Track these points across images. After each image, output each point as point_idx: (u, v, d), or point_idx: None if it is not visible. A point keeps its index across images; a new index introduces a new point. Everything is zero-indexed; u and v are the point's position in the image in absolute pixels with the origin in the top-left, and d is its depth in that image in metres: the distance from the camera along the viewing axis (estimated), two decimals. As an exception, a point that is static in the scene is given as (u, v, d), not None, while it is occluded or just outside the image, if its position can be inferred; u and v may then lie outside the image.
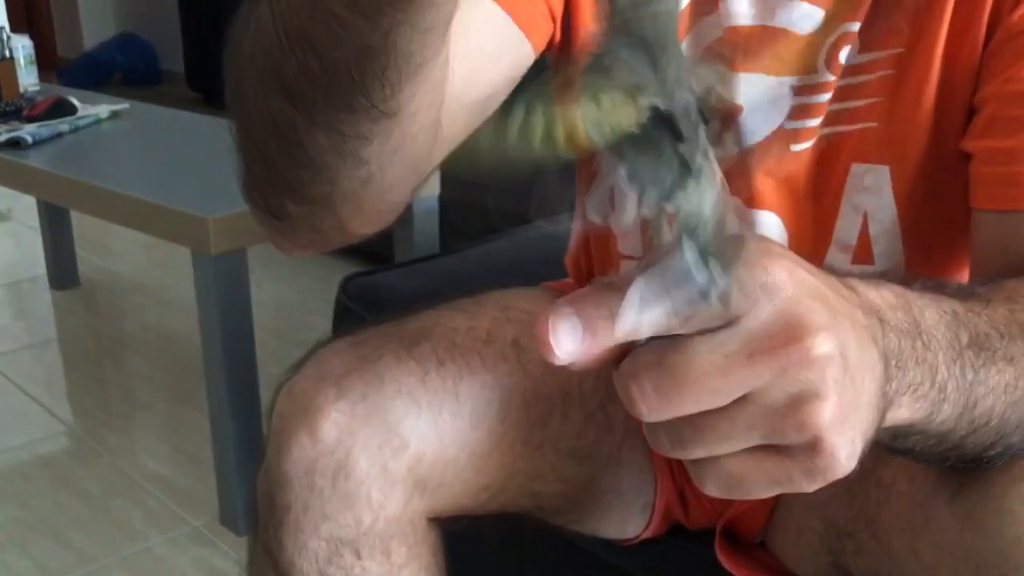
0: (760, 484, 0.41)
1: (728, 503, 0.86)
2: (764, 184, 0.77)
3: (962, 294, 0.56)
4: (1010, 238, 0.68)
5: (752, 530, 0.86)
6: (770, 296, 0.40)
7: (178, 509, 1.81)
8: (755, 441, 0.40)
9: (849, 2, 0.73)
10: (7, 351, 2.48)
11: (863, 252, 0.77)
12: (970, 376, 0.51)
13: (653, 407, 0.40)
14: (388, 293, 1.40)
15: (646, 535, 0.89)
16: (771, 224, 0.78)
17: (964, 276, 0.79)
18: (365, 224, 0.64)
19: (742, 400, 0.39)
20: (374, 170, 0.57)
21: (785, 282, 0.40)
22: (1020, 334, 0.56)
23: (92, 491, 1.88)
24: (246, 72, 0.56)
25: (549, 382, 0.78)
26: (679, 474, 0.87)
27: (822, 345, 0.39)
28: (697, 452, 0.41)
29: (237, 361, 1.64)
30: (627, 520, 0.88)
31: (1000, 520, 0.58)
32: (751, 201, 0.77)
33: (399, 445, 0.71)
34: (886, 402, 0.46)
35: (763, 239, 0.43)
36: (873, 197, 0.75)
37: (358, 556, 0.71)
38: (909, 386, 0.47)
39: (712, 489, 0.42)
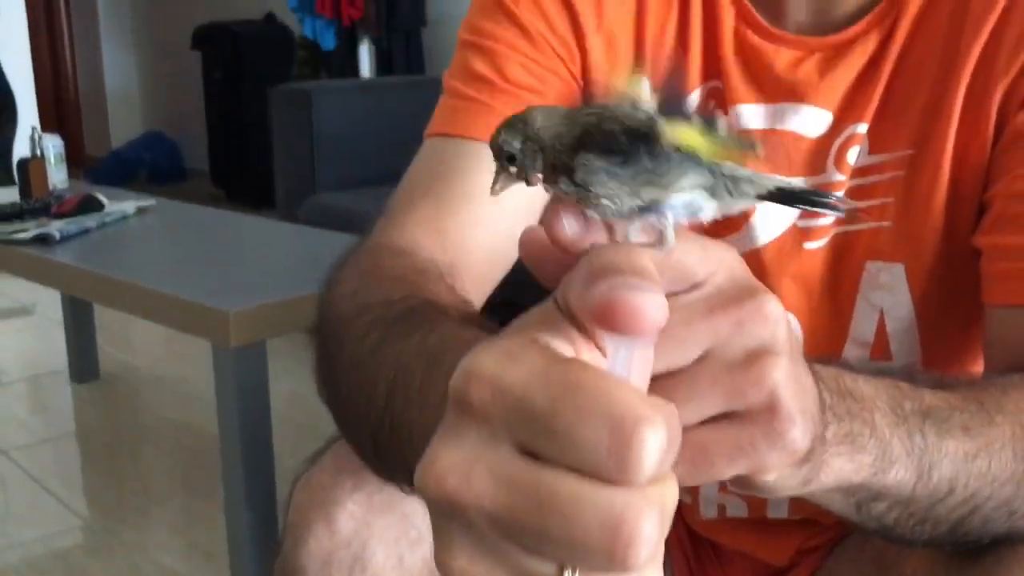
0: (724, 451, 0.41)
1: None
2: (779, 284, 0.77)
3: (911, 375, 0.56)
4: (1021, 332, 0.69)
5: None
6: (728, 268, 0.41)
7: (191, 605, 1.79)
8: (716, 405, 0.40)
9: (856, 103, 0.75)
10: (25, 444, 2.48)
11: (880, 349, 0.77)
12: (919, 440, 0.51)
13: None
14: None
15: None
16: None
17: (981, 371, 0.79)
18: None
19: (702, 359, 0.40)
20: None
21: (738, 259, 0.42)
22: (981, 410, 0.56)
23: (106, 587, 1.86)
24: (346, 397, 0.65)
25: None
26: (696, 570, 0.86)
27: (773, 303, 0.41)
28: None
29: (254, 453, 1.64)
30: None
31: None
32: None
33: (416, 537, 0.70)
34: (823, 426, 0.45)
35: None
36: (889, 294, 0.76)
37: (374, 651, 0.71)
38: (846, 435, 0.48)
39: (678, 463, 0.42)
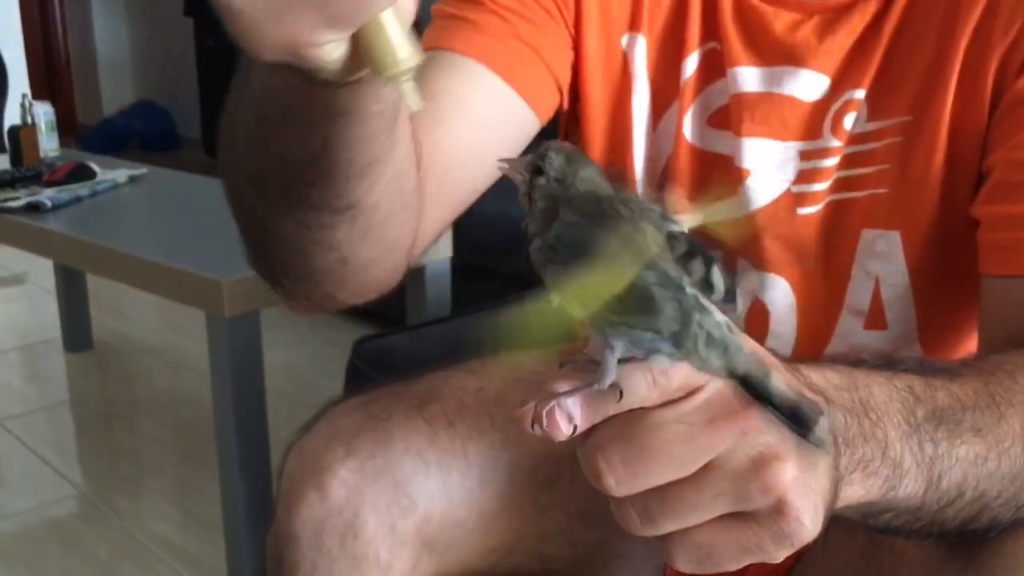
0: (730, 553, 0.41)
1: (741, 571, 0.85)
2: (773, 248, 0.77)
3: (924, 369, 0.56)
4: (1018, 303, 0.68)
5: (765, 597, 0.86)
6: None
7: (187, 574, 1.80)
8: (723, 509, 0.41)
9: (854, 69, 0.74)
10: (19, 413, 2.48)
11: (876, 317, 0.77)
12: (930, 450, 0.52)
13: (621, 479, 0.41)
14: (400, 356, 1.41)
15: (656, 599, 0.88)
16: (780, 288, 0.78)
17: (977, 341, 0.79)
18: (354, 296, 0.66)
19: (707, 467, 0.40)
20: (346, 253, 0.60)
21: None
22: (991, 405, 0.56)
23: (101, 555, 1.86)
24: (227, 164, 0.60)
25: (558, 444, 0.78)
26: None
27: None
28: (667, 525, 0.42)
29: (248, 424, 1.64)
30: (637, 584, 0.87)
31: None
32: (760, 264, 0.78)
33: (408, 505, 0.71)
34: (838, 476, 0.46)
35: None
36: (885, 262, 0.76)
37: (366, 617, 0.71)
38: (859, 463, 0.48)
39: (683, 563, 0.42)
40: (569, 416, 0.41)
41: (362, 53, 0.39)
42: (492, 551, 0.76)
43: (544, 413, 0.41)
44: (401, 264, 0.67)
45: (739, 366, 0.39)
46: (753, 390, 0.40)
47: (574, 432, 0.42)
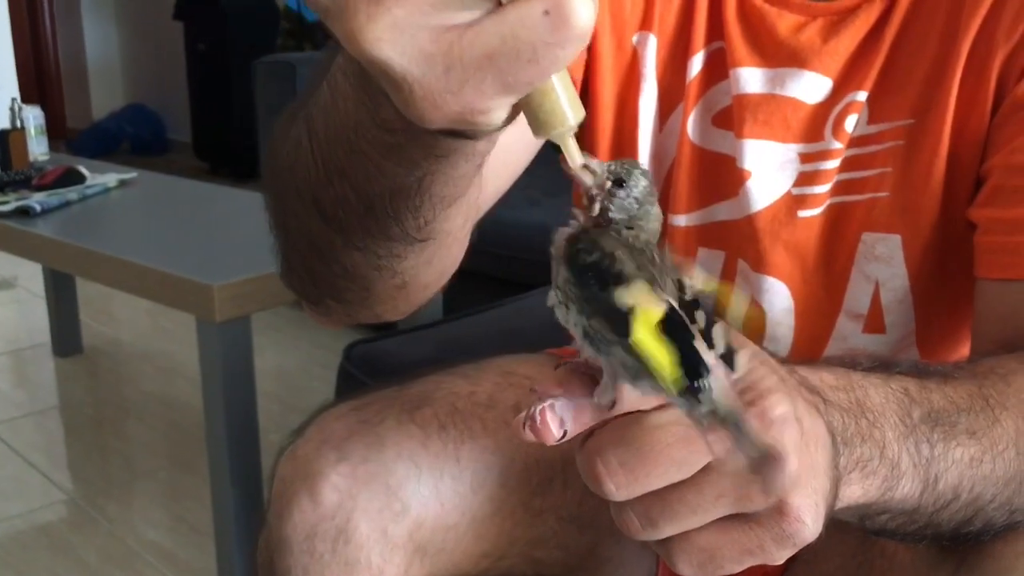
0: (732, 556, 0.41)
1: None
2: (773, 251, 0.77)
3: (919, 372, 0.56)
4: (1012, 307, 0.68)
5: (757, 599, 0.85)
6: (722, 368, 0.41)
7: (176, 579, 1.79)
8: (724, 511, 0.40)
9: (857, 72, 0.74)
10: (8, 418, 2.47)
11: (874, 320, 0.77)
12: (926, 451, 0.52)
13: (621, 483, 0.40)
14: (391, 360, 1.40)
15: (649, 604, 0.88)
16: (779, 292, 0.78)
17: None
18: (399, 313, 0.66)
19: (706, 470, 0.40)
20: (408, 279, 0.59)
21: (743, 352, 0.41)
22: (986, 408, 0.56)
23: (90, 561, 1.85)
24: (286, 186, 0.57)
25: (550, 448, 0.78)
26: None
27: (778, 406, 0.41)
28: (668, 529, 0.41)
29: (239, 428, 1.63)
30: (629, 588, 0.87)
31: None
32: (759, 267, 0.78)
33: (400, 509, 0.70)
34: (837, 475, 0.46)
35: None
36: (885, 266, 0.75)
37: (358, 623, 0.71)
38: (857, 462, 0.48)
39: (685, 567, 0.42)
40: (560, 420, 0.41)
41: (527, 113, 0.37)
42: (484, 555, 0.76)
43: (536, 414, 0.41)
44: (440, 286, 0.66)
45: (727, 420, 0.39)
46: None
47: (564, 437, 0.42)
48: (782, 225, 0.76)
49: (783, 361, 0.48)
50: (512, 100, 0.36)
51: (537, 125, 0.37)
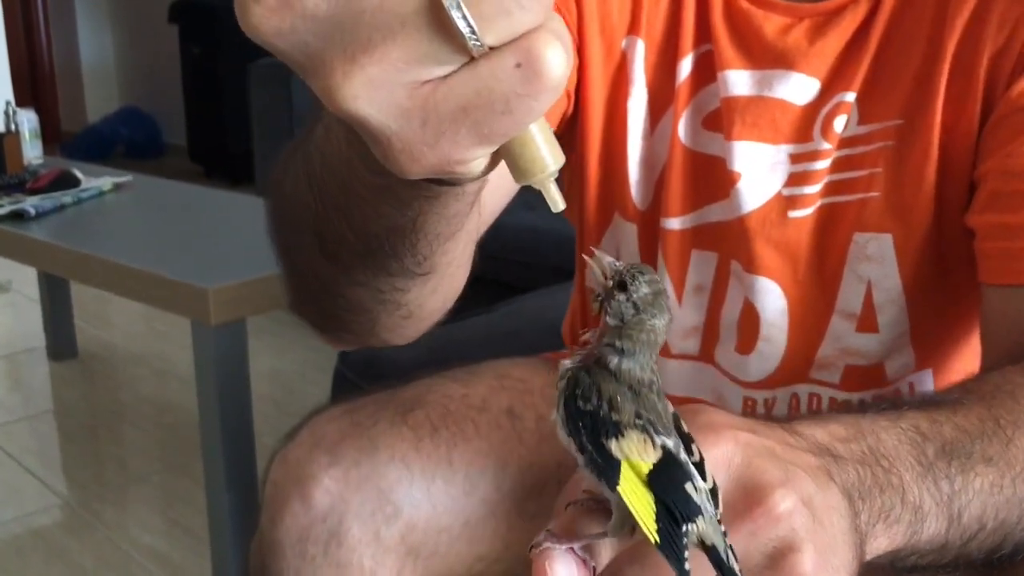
0: None
1: None
2: (764, 252, 0.77)
3: (927, 404, 0.56)
4: (1016, 312, 0.68)
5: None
6: (723, 469, 0.41)
7: (171, 583, 1.79)
8: None
9: (845, 72, 0.74)
10: (2, 423, 2.47)
11: (867, 320, 0.77)
12: (946, 488, 0.52)
13: None
14: (386, 363, 1.40)
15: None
16: (772, 292, 0.78)
17: (971, 344, 0.79)
18: (407, 339, 0.66)
19: None
20: (413, 309, 0.60)
21: (733, 451, 0.42)
22: (998, 430, 0.55)
23: (85, 565, 1.85)
24: (289, 221, 0.58)
25: (544, 451, 0.78)
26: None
27: (783, 501, 0.41)
28: None
29: (234, 432, 1.63)
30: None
31: None
32: (751, 268, 0.78)
33: (392, 512, 0.70)
34: (860, 536, 0.46)
35: (704, 411, 0.45)
36: (877, 266, 0.76)
37: (350, 626, 0.71)
38: (880, 513, 0.48)
39: None
40: (584, 561, 0.41)
41: (507, 162, 0.38)
42: (478, 559, 0.76)
43: (543, 560, 0.41)
44: (452, 304, 0.67)
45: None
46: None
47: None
48: (773, 226, 0.77)
49: (785, 422, 0.48)
50: (489, 150, 0.36)
51: (517, 173, 0.38)
